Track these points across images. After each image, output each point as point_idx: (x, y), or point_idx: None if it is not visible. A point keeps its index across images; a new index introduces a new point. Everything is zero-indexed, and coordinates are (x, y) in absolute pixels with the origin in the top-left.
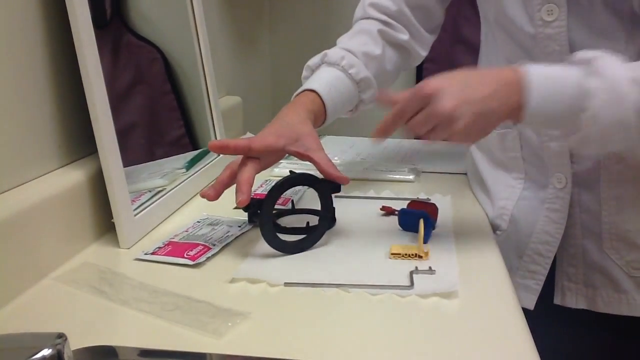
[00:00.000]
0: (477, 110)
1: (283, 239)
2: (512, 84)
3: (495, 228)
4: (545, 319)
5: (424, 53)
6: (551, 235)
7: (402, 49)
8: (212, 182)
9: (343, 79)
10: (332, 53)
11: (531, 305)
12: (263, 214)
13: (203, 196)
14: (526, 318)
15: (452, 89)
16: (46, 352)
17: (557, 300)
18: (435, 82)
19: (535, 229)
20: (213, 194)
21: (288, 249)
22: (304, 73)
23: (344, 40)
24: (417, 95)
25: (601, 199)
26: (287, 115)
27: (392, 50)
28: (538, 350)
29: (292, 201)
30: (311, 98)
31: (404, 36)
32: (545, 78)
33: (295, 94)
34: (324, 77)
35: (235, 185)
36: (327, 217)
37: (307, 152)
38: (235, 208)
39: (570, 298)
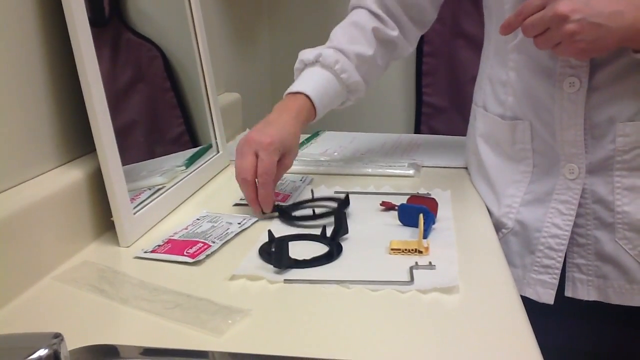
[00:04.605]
0: (593, 21)
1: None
2: None
3: (501, 226)
4: (556, 311)
5: (411, 48)
6: (560, 227)
7: (391, 44)
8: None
9: (334, 83)
10: (327, 55)
11: (550, 300)
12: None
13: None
14: (537, 312)
15: None
16: (42, 352)
17: (568, 293)
18: None
19: (543, 223)
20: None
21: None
22: (297, 65)
23: (337, 35)
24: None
25: (614, 188)
26: (295, 130)
27: (382, 47)
28: (549, 343)
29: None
30: (307, 107)
31: (393, 32)
32: None
33: (289, 91)
34: (318, 82)
35: (236, 183)
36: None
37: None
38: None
39: (582, 290)
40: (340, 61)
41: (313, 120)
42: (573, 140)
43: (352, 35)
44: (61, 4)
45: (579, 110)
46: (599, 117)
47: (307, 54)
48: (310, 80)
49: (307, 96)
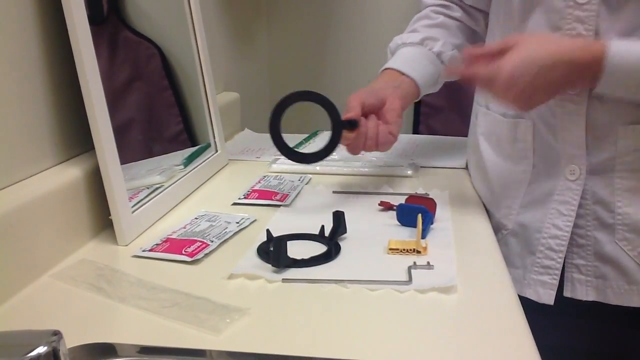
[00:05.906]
0: (536, 85)
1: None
2: (590, 66)
3: (501, 227)
4: (556, 311)
5: (478, 28)
6: (560, 228)
7: (457, 20)
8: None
9: (408, 48)
10: (394, 41)
11: (551, 300)
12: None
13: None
14: (537, 312)
15: (523, 65)
16: (42, 349)
17: (567, 293)
18: (515, 40)
19: (543, 223)
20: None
21: (307, 160)
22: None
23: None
24: (495, 48)
25: (615, 189)
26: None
27: (451, 20)
28: (549, 343)
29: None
30: (388, 73)
31: (456, 13)
32: (627, 62)
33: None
34: (395, 55)
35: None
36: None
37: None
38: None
39: (580, 290)
40: (404, 36)
41: (413, 78)
42: (575, 140)
43: (418, 22)
44: (60, 1)
45: (581, 110)
46: (601, 119)
47: (389, 50)
48: (392, 59)
49: (384, 69)
